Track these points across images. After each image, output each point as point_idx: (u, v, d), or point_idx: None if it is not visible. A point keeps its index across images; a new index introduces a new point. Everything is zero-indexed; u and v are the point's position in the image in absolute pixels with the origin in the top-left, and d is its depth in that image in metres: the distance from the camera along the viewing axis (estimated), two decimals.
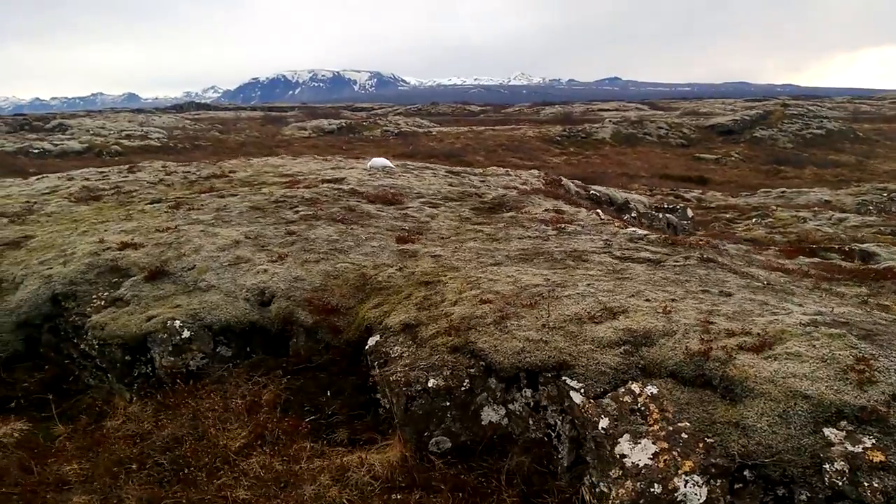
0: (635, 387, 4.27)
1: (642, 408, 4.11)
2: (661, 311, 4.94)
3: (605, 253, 6.93)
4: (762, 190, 24.56)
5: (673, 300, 5.22)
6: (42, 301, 6.55)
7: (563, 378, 4.52)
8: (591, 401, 4.25)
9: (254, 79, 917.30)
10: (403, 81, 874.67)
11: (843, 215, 16.44)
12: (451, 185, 11.36)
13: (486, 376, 4.81)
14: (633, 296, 5.34)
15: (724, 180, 36.61)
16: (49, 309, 6.54)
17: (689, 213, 15.99)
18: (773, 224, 16.17)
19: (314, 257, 7.01)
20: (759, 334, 4.30)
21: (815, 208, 18.34)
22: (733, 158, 46.31)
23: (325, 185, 10.42)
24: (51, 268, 6.94)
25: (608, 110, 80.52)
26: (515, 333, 4.88)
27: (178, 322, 5.88)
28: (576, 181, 16.26)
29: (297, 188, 10.24)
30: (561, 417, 4.61)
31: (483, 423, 4.87)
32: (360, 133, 57.12)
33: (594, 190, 16.32)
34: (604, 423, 4.07)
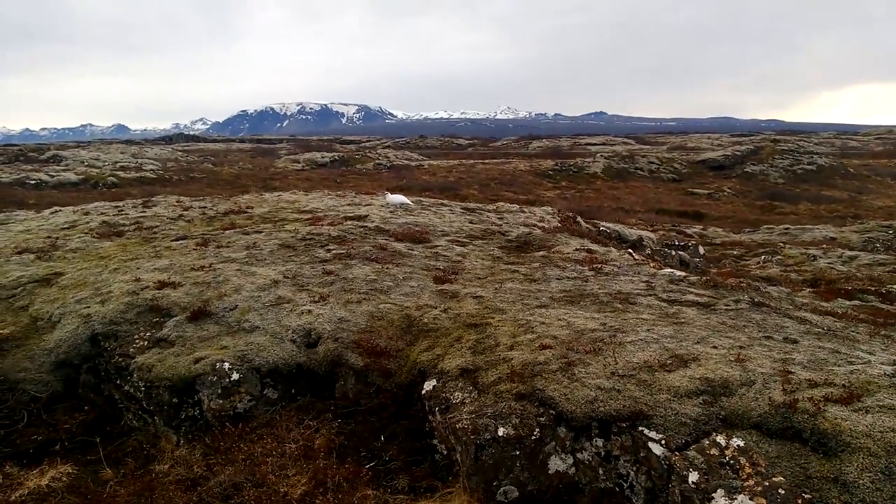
0: (720, 438, 4.20)
1: (731, 461, 4.03)
2: (733, 359, 4.89)
3: (650, 295, 6.90)
4: (765, 226, 24.78)
5: (741, 347, 5.18)
6: (81, 341, 6.41)
7: (640, 428, 4.44)
8: (677, 453, 4.17)
9: (242, 111, 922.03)
10: (391, 114, 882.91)
11: (854, 253, 16.58)
12: (471, 222, 11.35)
13: (555, 425, 4.72)
14: (698, 342, 5.30)
15: (720, 215, 36.95)
16: (88, 349, 6.40)
17: (701, 250, 16.07)
18: (784, 261, 16.27)
19: (356, 297, 6.93)
20: (844, 385, 4.26)
21: (824, 246, 18.48)
22: (726, 193, 46.83)
23: (350, 222, 10.37)
24: (88, 307, 6.80)
25: (596, 144, 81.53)
26: (585, 381, 4.80)
27: (227, 364, 5.75)
28: (579, 218, 16.33)
29: (322, 225, 10.18)
30: (635, 468, 4.52)
31: (550, 471, 4.76)
32: (352, 166, 57.36)
33: (603, 226, 16.40)
34: (693, 476, 3.99)
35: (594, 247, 9.47)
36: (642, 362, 4.98)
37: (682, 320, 6.00)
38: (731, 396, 4.49)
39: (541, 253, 8.93)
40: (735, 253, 18.91)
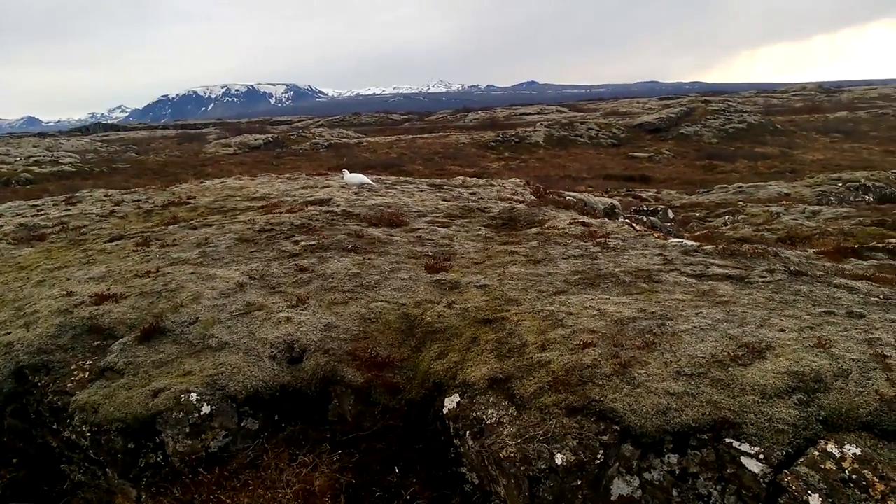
0: (831, 447, 3.42)
1: (854, 476, 3.25)
2: (813, 344, 4.12)
3: (672, 270, 6.10)
4: (718, 186, 24.64)
5: (811, 328, 4.42)
6: (3, 377, 5.17)
7: (727, 440, 3.62)
8: (787, 472, 3.36)
9: (163, 96, 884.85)
10: (321, 93, 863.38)
11: (815, 208, 16.37)
12: (444, 199, 10.38)
13: (619, 443, 3.85)
14: (761, 326, 4.51)
15: (665, 177, 36.98)
16: (12, 386, 5.17)
17: (670, 213, 15.55)
18: (748, 220, 15.94)
19: (340, 297, 5.89)
20: None
21: (783, 202, 18.26)
22: (665, 155, 47.07)
23: (312, 207, 9.24)
24: (9, 332, 5.54)
25: (531, 114, 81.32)
26: (649, 386, 3.95)
27: (194, 395, 4.66)
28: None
29: (280, 213, 9.02)
30: (720, 488, 3.70)
31: (613, 497, 3.91)
32: (288, 147, 55.23)
33: (569, 195, 15.68)
34: (815, 500, 3.20)
35: (587, 219, 8.65)
36: (709, 356, 4.16)
37: (725, 299, 5.22)
38: (827, 392, 3.71)
39: (534, 230, 8.04)
40: (698, 214, 18.54)
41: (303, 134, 64.27)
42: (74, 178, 36.55)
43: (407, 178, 13.27)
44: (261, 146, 55.66)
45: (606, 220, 8.77)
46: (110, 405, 4.65)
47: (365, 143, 56.02)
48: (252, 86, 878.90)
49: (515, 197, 11.49)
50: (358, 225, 8.30)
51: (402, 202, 9.86)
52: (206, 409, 4.66)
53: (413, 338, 5.30)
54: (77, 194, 12.39)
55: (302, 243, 7.36)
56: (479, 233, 8.08)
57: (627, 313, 4.98)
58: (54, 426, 4.92)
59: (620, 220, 9.22)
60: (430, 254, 7.09)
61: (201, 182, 13.55)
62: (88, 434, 4.68)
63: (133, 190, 12.90)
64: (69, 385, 4.95)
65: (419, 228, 8.18)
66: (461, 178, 14.03)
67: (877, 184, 20.17)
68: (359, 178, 11.67)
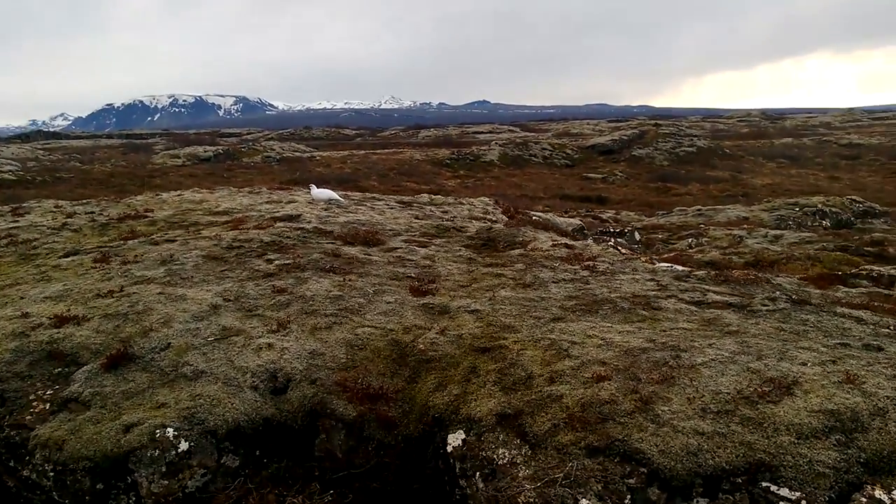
0: (879, 493, 3.23)
1: None
2: (841, 379, 3.95)
3: (670, 297, 5.92)
4: (677, 208, 24.95)
5: (833, 362, 4.26)
6: None
7: (763, 484, 3.40)
8: None
9: (108, 105, 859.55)
10: (271, 106, 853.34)
11: (777, 232, 16.64)
12: (416, 218, 10.07)
13: (645, 486, 3.59)
14: (781, 359, 4.33)
15: (621, 198, 37.44)
16: None
17: (637, 235, 15.57)
18: (712, 243, 16.10)
19: (323, 322, 5.50)
20: None
21: (745, 226, 18.54)
22: (618, 176, 47.79)
23: (281, 224, 8.80)
24: None
25: (483, 132, 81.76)
26: (676, 424, 3.70)
27: (170, 430, 4.21)
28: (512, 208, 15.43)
29: (248, 229, 8.56)
30: None
31: None
32: (238, 160, 54.04)
33: (535, 215, 15.60)
34: None
35: (569, 241, 8.46)
36: (734, 392, 3.95)
37: (734, 328, 5.05)
38: (866, 432, 3.54)
39: (517, 251, 7.79)
40: (660, 236, 18.65)
41: (254, 147, 63.14)
42: (16, 188, 34.87)
43: (374, 195, 12.92)
44: (211, 158, 54.30)
45: (590, 242, 8.60)
46: (76, 441, 4.16)
47: (318, 158, 55.28)
48: (200, 97, 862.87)
49: (488, 216, 11.28)
50: (332, 243, 7.92)
51: (375, 220, 9.51)
52: (183, 445, 4.21)
53: (406, 367, 4.96)
54: (24, 205, 11.62)
55: (276, 262, 6.94)
56: (460, 253, 7.79)
57: (636, 343, 4.75)
58: (11, 464, 4.38)
59: (607, 243, 9.07)
60: (413, 275, 6.76)
61: (157, 194, 12.92)
62: (52, 474, 4.17)
63: (85, 201, 12.18)
64: (28, 418, 4.43)
65: (397, 248, 7.84)
66: (428, 195, 13.76)
67: (833, 209, 20.71)
68: (327, 193, 11.27)
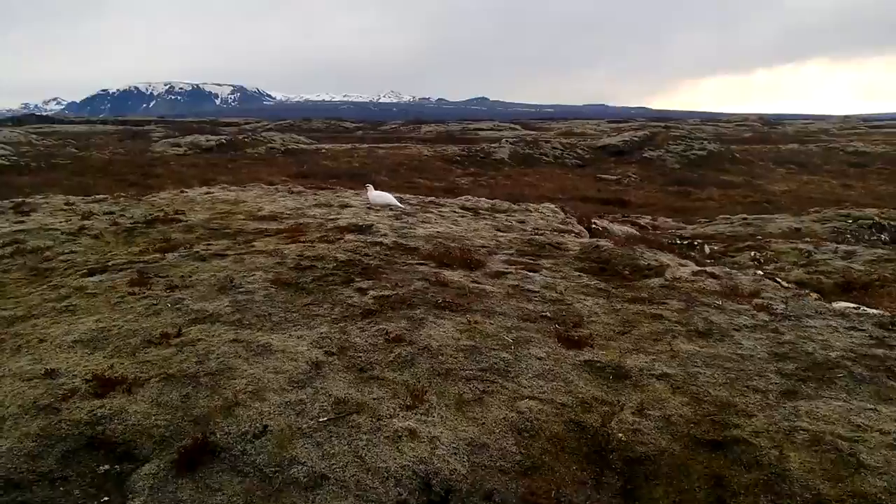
0: None
1: None
2: None
3: None
4: (721, 216, 23.40)
5: None
6: None
7: None
8: None
9: (103, 90, 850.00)
10: (269, 96, 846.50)
11: (849, 248, 15.14)
12: (498, 230, 8.55)
13: None
14: None
15: (642, 202, 35.95)
16: None
17: (707, 249, 14.09)
18: (785, 259, 14.65)
19: (468, 391, 3.97)
20: None
21: (807, 239, 17.09)
22: (632, 178, 46.28)
23: (352, 236, 7.26)
24: None
25: (484, 129, 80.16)
26: None
27: None
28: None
29: (313, 243, 7.01)
30: None
31: None
32: (242, 150, 52.34)
33: (594, 223, 14.13)
34: None
35: (710, 269, 6.97)
36: None
37: None
38: None
39: (656, 281, 6.28)
40: (716, 248, 17.26)
41: (256, 137, 61.44)
42: (8, 174, 33.14)
43: (433, 199, 11.37)
44: (213, 148, 52.49)
45: (729, 270, 7.11)
46: None
47: (324, 150, 53.69)
48: (197, 85, 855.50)
49: (568, 227, 9.78)
50: (424, 264, 6.38)
51: (455, 232, 7.98)
52: None
53: (611, 471, 3.43)
54: (29, 201, 10.02)
55: (371, 293, 5.38)
56: (584, 281, 6.26)
57: None
58: None
59: (755, 271, 7.58)
60: (549, 315, 5.23)
61: (182, 191, 11.33)
62: None
63: (100, 198, 10.58)
64: None
65: (505, 273, 6.30)
66: (486, 200, 12.22)
67: (891, 223, 19.29)
68: (386, 197, 9.73)
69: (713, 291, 5.95)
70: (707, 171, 49.96)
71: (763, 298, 5.81)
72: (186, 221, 8.44)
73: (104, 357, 4.18)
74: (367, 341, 4.48)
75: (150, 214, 8.88)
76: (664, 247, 8.28)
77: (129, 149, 51.33)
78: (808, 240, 17.21)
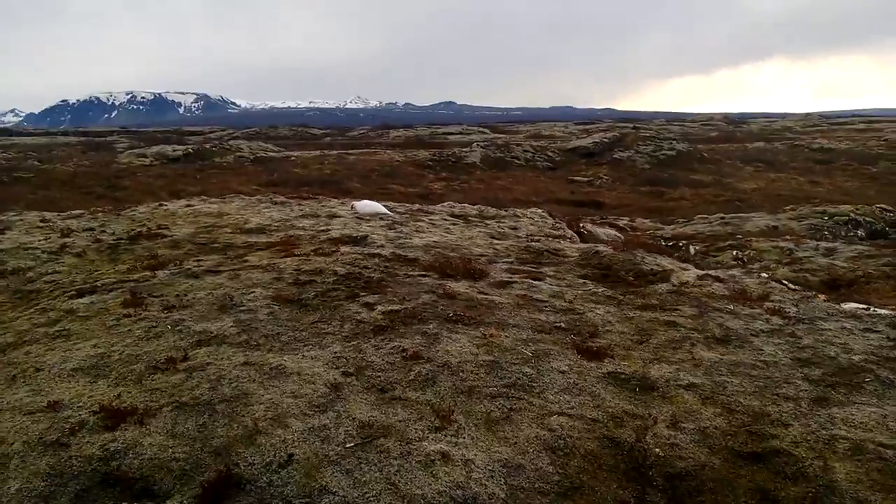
0: None
1: None
2: None
3: None
4: (698, 216, 23.61)
5: None
6: None
7: None
8: None
9: (63, 101, 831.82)
10: (233, 104, 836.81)
11: (829, 245, 15.33)
12: (493, 237, 8.45)
13: None
14: None
15: (617, 203, 36.21)
16: None
17: (692, 250, 14.17)
18: (766, 257, 14.79)
19: (495, 409, 3.84)
20: None
21: (788, 237, 17.30)
22: (604, 180, 46.63)
23: (348, 248, 7.08)
24: None
25: (454, 133, 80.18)
26: None
27: None
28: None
29: (308, 256, 6.83)
30: None
31: None
32: (210, 159, 51.56)
33: (582, 227, 14.13)
34: None
35: (711, 272, 6.94)
36: None
37: None
38: None
39: (663, 287, 6.21)
40: (697, 248, 17.38)
41: (223, 146, 60.56)
42: None
43: (421, 207, 11.22)
44: (180, 158, 51.60)
45: (734, 273, 7.09)
46: None
47: (293, 158, 53.17)
48: (160, 94, 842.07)
49: (558, 233, 9.72)
50: (427, 276, 6.23)
51: (451, 241, 7.84)
52: None
53: (654, 489, 3.32)
54: (2, 218, 9.63)
55: (379, 308, 5.21)
56: (590, 288, 6.18)
57: None
58: None
59: (759, 274, 7.57)
60: (563, 325, 5.12)
61: (160, 205, 11.02)
62: None
63: (77, 213, 10.22)
64: None
65: (510, 283, 6.19)
66: (472, 206, 12.12)
67: (866, 219, 19.64)
68: (373, 206, 9.56)
69: (722, 296, 5.91)
70: (677, 171, 50.56)
71: (773, 302, 5.78)
72: (171, 236, 8.17)
73: (108, 386, 3.96)
74: (383, 359, 4.32)
75: (133, 230, 8.58)
76: (662, 250, 8.24)
77: (93, 160, 50.25)
78: (788, 238, 17.45)
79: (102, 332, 4.86)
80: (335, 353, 4.39)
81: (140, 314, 5.17)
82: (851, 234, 19.18)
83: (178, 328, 4.84)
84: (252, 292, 5.63)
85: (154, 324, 4.93)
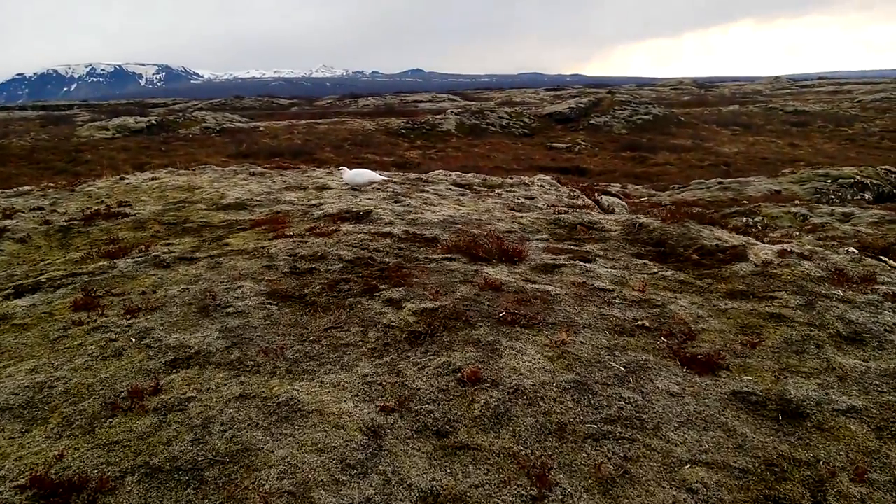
0: None
1: None
2: None
3: None
4: (695, 181, 22.74)
5: None
6: None
7: None
8: None
9: (19, 74, 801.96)
10: (196, 75, 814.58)
11: (846, 209, 14.51)
12: (512, 209, 7.30)
13: None
14: None
15: (602, 170, 35.26)
16: None
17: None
18: (777, 223, 13.91)
19: (604, 460, 2.71)
20: None
21: (797, 202, 16.42)
22: (582, 145, 45.62)
23: (350, 226, 5.86)
24: None
25: (423, 101, 78.40)
26: None
27: None
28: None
29: (304, 237, 5.59)
30: None
31: None
32: (175, 131, 49.44)
33: (603, 197, 13.01)
34: None
35: (786, 246, 5.88)
36: None
37: None
38: None
39: (742, 267, 5.11)
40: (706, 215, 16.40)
41: (189, 117, 58.16)
42: None
43: (420, 176, 9.96)
44: (143, 130, 49.34)
45: (813, 248, 6.05)
46: None
47: (262, 129, 51.22)
48: (120, 66, 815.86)
49: (577, 201, 8.60)
50: (453, 259, 5.05)
51: (466, 214, 6.66)
52: None
53: None
54: None
55: (408, 306, 4.02)
56: (654, 271, 5.06)
57: None
58: None
59: (844, 250, 6.55)
60: (646, 324, 4.00)
61: (121, 178, 9.62)
62: None
63: (24, 190, 8.78)
64: None
65: (557, 266, 5.04)
66: (475, 175, 10.91)
67: (873, 181, 18.88)
68: (367, 175, 8.30)
69: (818, 278, 4.84)
70: (655, 136, 49.72)
71: (884, 284, 4.73)
72: (135, 215, 6.85)
73: (46, 438, 2.74)
74: (432, 385, 3.15)
75: (89, 208, 7.24)
76: (714, 220, 7.16)
77: (52, 134, 47.78)
78: (798, 202, 16.60)
79: (43, 349, 3.61)
80: (364, 376, 3.21)
81: (94, 321, 3.93)
82: (858, 197, 18.42)
83: (144, 341, 3.61)
84: (240, 287, 4.40)
85: (113, 336, 3.69)
